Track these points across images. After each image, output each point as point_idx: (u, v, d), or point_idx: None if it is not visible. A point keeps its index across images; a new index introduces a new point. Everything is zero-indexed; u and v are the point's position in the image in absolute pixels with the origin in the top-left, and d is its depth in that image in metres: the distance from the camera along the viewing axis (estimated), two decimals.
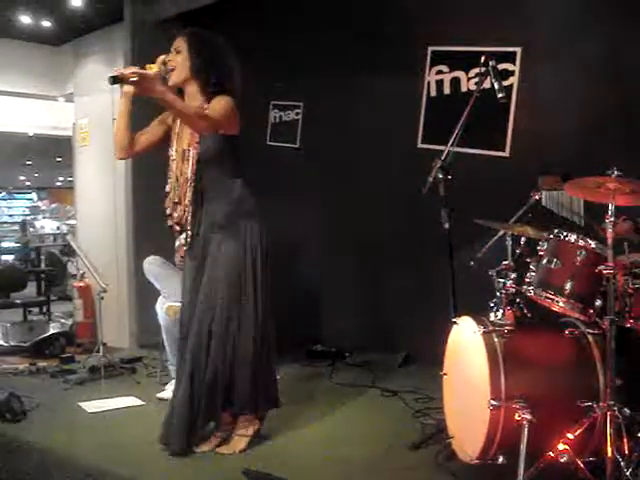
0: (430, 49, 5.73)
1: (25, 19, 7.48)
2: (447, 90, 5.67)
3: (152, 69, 3.74)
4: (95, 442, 4.07)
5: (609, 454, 2.86)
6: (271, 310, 3.99)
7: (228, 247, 3.82)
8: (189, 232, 3.89)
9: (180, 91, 3.88)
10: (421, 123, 5.80)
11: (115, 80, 3.63)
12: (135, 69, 3.64)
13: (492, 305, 3.53)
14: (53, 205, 24.16)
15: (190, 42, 3.90)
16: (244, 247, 3.84)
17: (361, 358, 5.95)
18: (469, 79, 5.48)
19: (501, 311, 3.41)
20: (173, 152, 3.94)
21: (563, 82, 4.92)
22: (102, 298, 5.77)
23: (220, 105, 3.76)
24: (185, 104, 3.74)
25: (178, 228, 3.93)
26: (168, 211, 3.91)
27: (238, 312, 3.82)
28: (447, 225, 3.72)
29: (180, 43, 3.90)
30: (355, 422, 4.42)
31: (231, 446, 3.86)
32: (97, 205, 7.68)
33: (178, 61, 3.85)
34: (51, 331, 7.06)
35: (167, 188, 3.93)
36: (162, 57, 3.83)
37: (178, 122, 3.93)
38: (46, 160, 19.50)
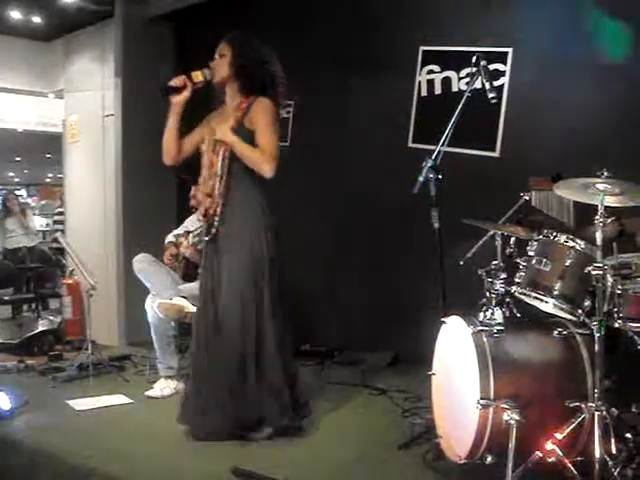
0: (421, 49, 5.73)
1: (15, 15, 7.47)
2: (438, 90, 5.67)
3: (197, 76, 3.88)
4: (83, 440, 4.05)
5: (597, 454, 2.87)
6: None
7: (248, 248, 3.96)
8: (215, 224, 3.95)
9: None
10: (412, 123, 5.80)
11: (168, 91, 3.74)
12: (184, 78, 3.89)
13: (481, 305, 3.54)
14: (42, 202, 24.05)
15: (234, 44, 4.01)
16: (261, 251, 3.98)
17: (350, 357, 5.95)
18: (460, 79, 5.48)
19: (490, 311, 3.41)
20: (204, 145, 4.04)
21: (554, 83, 4.93)
22: (91, 295, 5.75)
23: (269, 122, 3.95)
24: (252, 149, 3.90)
25: (205, 219, 3.98)
26: (198, 199, 4.01)
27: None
28: (437, 225, 3.72)
29: (224, 47, 4.02)
30: (343, 421, 4.42)
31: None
32: (87, 202, 7.66)
33: (221, 63, 3.98)
34: (40, 328, 7.04)
35: (200, 180, 4.04)
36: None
37: (217, 118, 4.07)
38: (35, 157, 19.42)
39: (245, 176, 3.96)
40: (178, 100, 3.95)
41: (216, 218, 3.93)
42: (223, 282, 3.97)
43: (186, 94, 3.94)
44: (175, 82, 3.92)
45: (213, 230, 3.97)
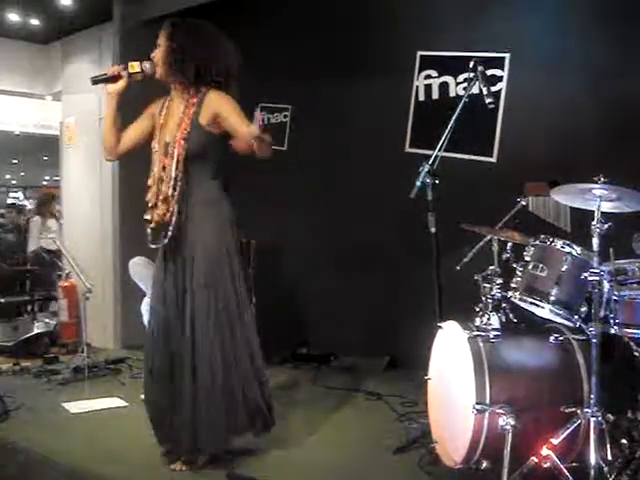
0: (419, 54, 5.73)
1: (13, 17, 7.47)
2: (435, 95, 5.67)
3: (133, 67, 3.71)
4: (78, 443, 4.05)
5: (592, 460, 2.86)
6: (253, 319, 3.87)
7: (205, 250, 3.66)
8: (169, 233, 3.64)
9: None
10: (409, 127, 5.80)
11: (99, 80, 3.62)
12: (118, 68, 3.66)
13: (478, 310, 3.54)
14: None
15: (168, 32, 3.74)
16: (220, 250, 3.69)
17: (346, 362, 5.95)
18: (457, 84, 5.48)
19: (487, 316, 3.41)
20: (156, 144, 3.74)
21: (551, 88, 4.94)
22: (87, 298, 5.75)
23: (234, 107, 3.69)
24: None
25: (153, 226, 3.75)
26: (150, 205, 3.69)
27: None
28: (433, 229, 3.72)
29: (161, 35, 3.76)
30: (339, 425, 4.42)
31: (192, 465, 3.65)
32: (83, 204, 7.65)
33: (158, 56, 3.73)
34: (35, 331, 7.03)
35: (149, 182, 3.74)
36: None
37: (163, 113, 3.78)
38: (32, 159, 19.42)
39: (202, 178, 3.73)
40: (112, 90, 3.70)
41: (170, 227, 3.63)
42: (187, 290, 3.66)
43: (122, 84, 3.69)
44: (108, 71, 3.71)
45: (166, 240, 3.67)
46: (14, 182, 27.22)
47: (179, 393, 3.60)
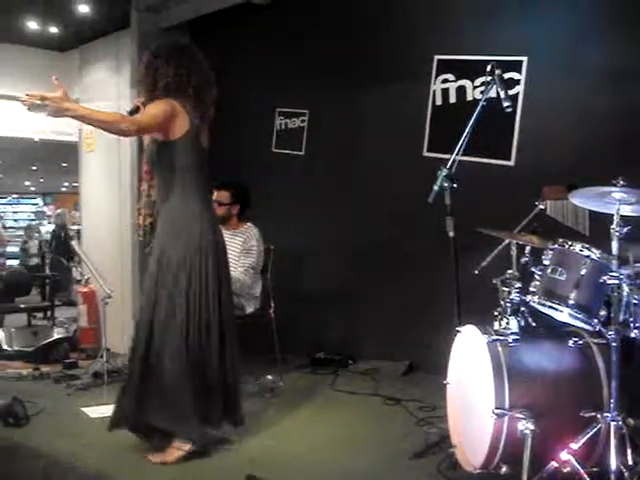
0: (436, 58, 5.73)
1: (32, 25, 7.53)
2: (453, 99, 5.66)
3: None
4: (97, 447, 4.07)
5: (613, 465, 2.85)
6: (230, 311, 3.99)
7: (171, 258, 3.79)
8: (149, 239, 3.85)
9: None
10: (426, 132, 5.80)
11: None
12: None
13: (496, 314, 3.52)
14: (58, 210, 24.18)
15: (146, 62, 3.91)
16: (185, 255, 3.79)
17: (364, 366, 5.94)
18: (475, 88, 5.47)
19: (505, 320, 3.40)
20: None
21: (569, 91, 4.92)
22: (107, 304, 5.77)
23: (153, 108, 3.74)
24: (101, 112, 3.69)
25: (141, 233, 3.90)
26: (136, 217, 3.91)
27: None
28: (452, 233, 3.72)
29: (139, 68, 3.99)
30: (358, 430, 4.41)
31: (163, 455, 3.79)
32: (102, 210, 7.70)
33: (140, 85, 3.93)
34: (55, 336, 7.07)
35: (143, 188, 4.03)
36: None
37: None
38: (51, 165, 19.53)
39: (163, 183, 3.85)
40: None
41: (146, 229, 3.87)
42: (162, 295, 3.81)
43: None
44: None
45: (149, 245, 3.88)
46: (33, 189, 27.41)
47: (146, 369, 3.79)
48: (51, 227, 19.05)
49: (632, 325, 3.12)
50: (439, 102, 5.75)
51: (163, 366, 3.75)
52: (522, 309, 3.50)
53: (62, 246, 13.12)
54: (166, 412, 3.74)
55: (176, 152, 3.80)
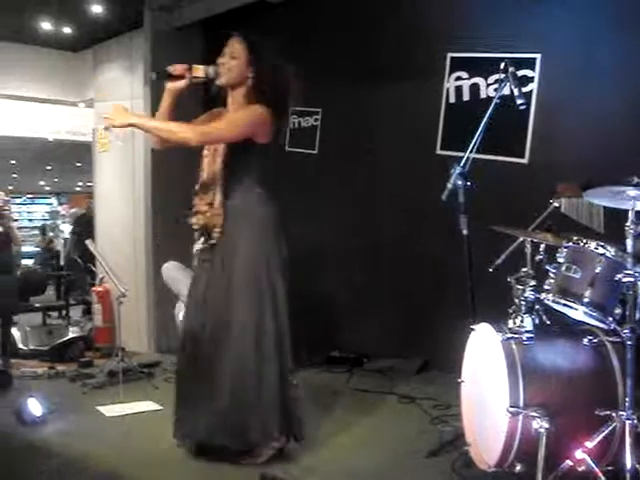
0: (449, 55, 5.72)
1: (46, 25, 7.56)
2: (466, 96, 5.65)
3: (197, 70, 3.77)
4: (113, 446, 4.09)
5: (628, 464, 2.84)
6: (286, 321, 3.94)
7: (243, 257, 3.77)
8: (215, 235, 3.78)
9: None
10: (440, 129, 5.79)
11: (163, 76, 3.66)
12: (183, 69, 3.71)
13: (511, 312, 3.52)
14: (72, 210, 24.27)
15: (251, 48, 3.87)
16: (258, 257, 3.79)
17: (379, 364, 5.95)
18: (488, 85, 5.46)
19: (520, 318, 3.39)
20: (206, 150, 3.90)
21: (582, 88, 4.90)
22: (121, 303, 5.78)
23: (237, 115, 3.78)
24: (169, 123, 3.75)
25: (198, 228, 3.87)
26: (195, 210, 3.85)
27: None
28: (466, 231, 3.71)
29: (237, 48, 3.85)
30: (372, 428, 4.42)
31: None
32: (116, 210, 7.72)
33: (233, 65, 3.81)
34: (70, 335, 7.11)
35: (197, 187, 3.88)
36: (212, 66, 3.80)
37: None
38: (66, 165, 19.59)
39: (241, 181, 3.83)
40: (171, 86, 3.79)
41: (216, 229, 3.77)
42: (222, 291, 3.81)
43: (182, 84, 3.77)
44: (174, 68, 3.77)
45: (212, 241, 3.81)
46: (48, 188, 27.50)
47: (211, 379, 3.71)
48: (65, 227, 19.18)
49: None
50: (452, 100, 5.75)
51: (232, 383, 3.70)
52: (536, 307, 3.49)
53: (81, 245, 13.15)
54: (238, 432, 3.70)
55: (258, 155, 3.84)
